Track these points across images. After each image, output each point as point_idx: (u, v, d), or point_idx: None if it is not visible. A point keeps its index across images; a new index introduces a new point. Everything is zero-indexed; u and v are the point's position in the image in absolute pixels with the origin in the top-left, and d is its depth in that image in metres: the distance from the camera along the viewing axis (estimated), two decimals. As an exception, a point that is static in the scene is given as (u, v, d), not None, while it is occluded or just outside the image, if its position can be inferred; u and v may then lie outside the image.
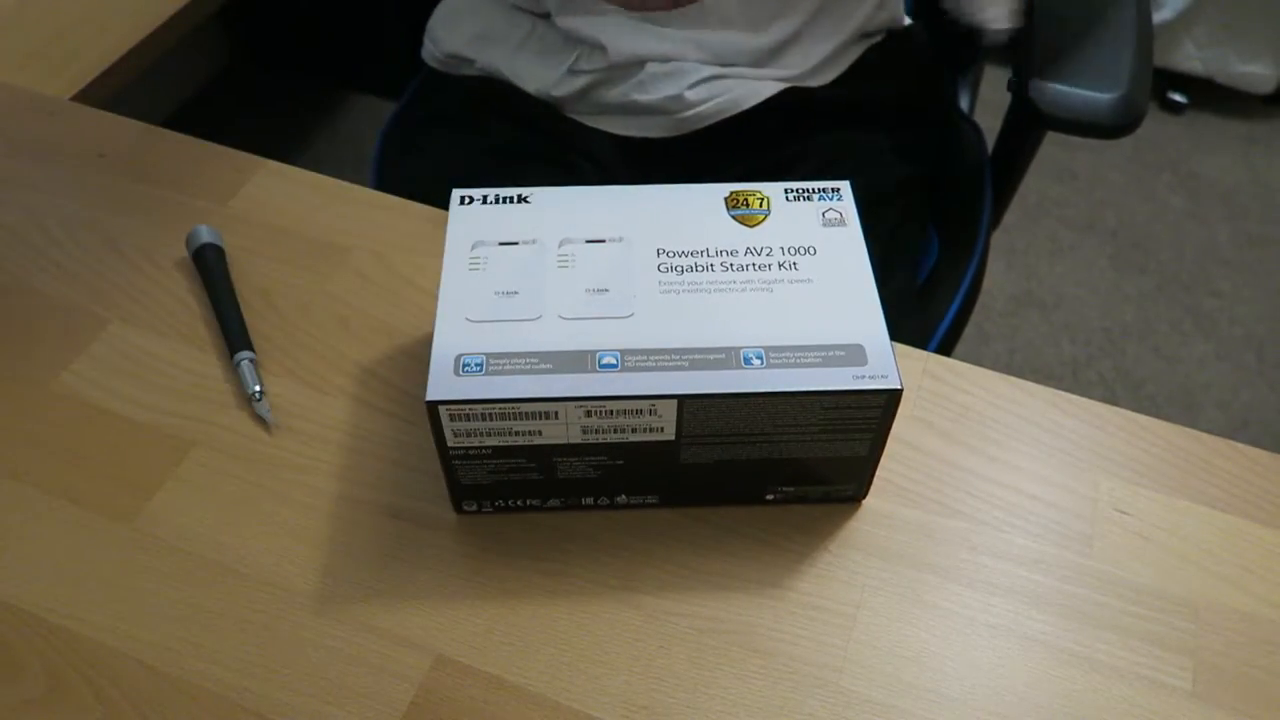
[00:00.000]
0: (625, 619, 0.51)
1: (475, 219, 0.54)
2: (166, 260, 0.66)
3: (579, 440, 0.49)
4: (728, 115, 0.78)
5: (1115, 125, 0.78)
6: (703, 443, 0.50)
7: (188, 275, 0.65)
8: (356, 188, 0.71)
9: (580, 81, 0.78)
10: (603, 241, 0.53)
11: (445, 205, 0.63)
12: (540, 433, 0.48)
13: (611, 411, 0.47)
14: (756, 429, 0.49)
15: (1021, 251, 1.83)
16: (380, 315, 0.63)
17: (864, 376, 0.47)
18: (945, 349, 0.82)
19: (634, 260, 0.52)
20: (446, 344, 0.48)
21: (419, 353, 0.61)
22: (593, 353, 0.48)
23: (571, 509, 0.54)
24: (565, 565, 0.52)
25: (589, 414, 0.47)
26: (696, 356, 0.48)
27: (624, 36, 0.75)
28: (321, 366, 0.60)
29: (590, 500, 0.53)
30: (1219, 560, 0.53)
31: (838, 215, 0.54)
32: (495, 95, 0.83)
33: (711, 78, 0.77)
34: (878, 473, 0.56)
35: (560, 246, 0.52)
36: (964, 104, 0.99)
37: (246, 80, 1.99)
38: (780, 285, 0.51)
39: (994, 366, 0.59)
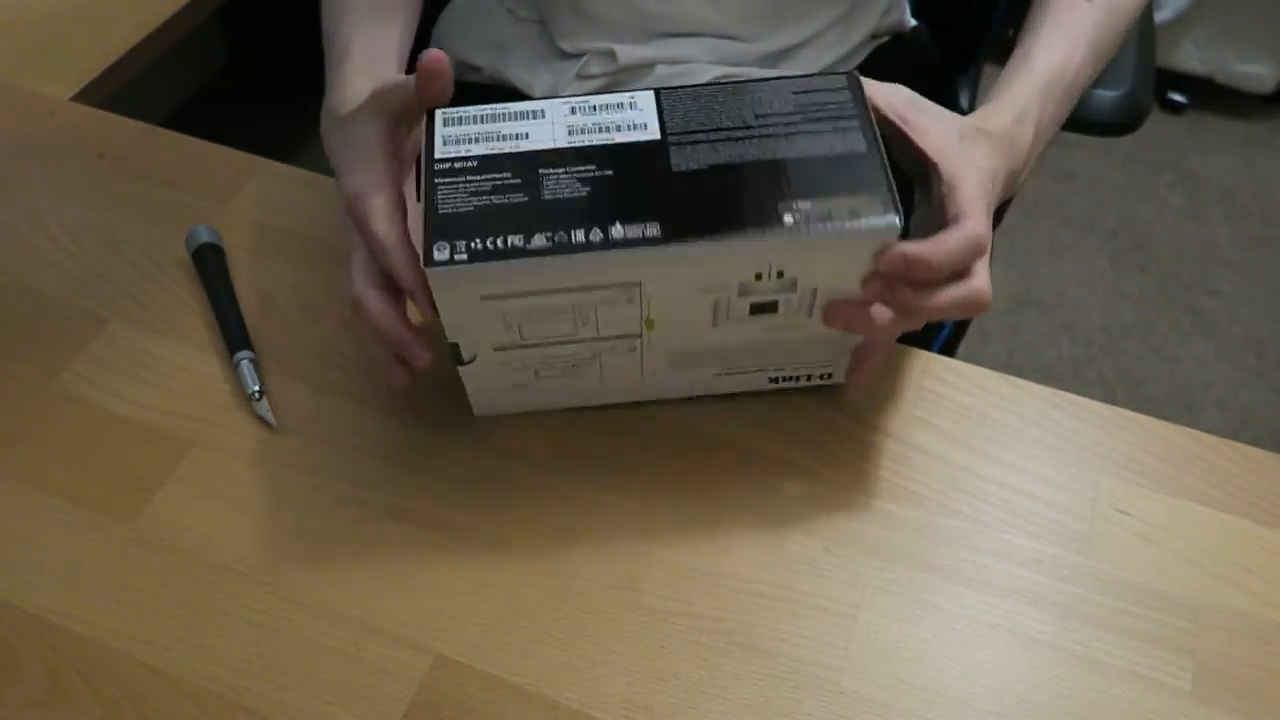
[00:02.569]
0: (625, 619, 0.51)
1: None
2: (166, 260, 0.66)
3: (565, 144, 0.50)
4: None
5: (1118, 123, 0.78)
6: (690, 141, 0.50)
7: (188, 275, 0.65)
8: (356, 188, 0.71)
9: (589, 86, 0.78)
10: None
11: None
12: (527, 135, 0.50)
13: (594, 107, 0.51)
14: (739, 122, 0.50)
15: (1021, 251, 1.83)
16: (380, 315, 0.63)
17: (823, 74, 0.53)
18: (948, 351, 0.82)
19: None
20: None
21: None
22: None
23: (561, 250, 0.47)
24: (565, 565, 0.52)
25: (573, 110, 0.50)
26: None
27: (631, 45, 0.75)
28: (321, 366, 0.60)
29: (581, 235, 0.47)
30: (1219, 560, 0.53)
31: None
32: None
33: (721, 78, 0.77)
34: (878, 472, 0.56)
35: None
36: (965, 103, 0.99)
37: (246, 80, 1.98)
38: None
39: (994, 366, 0.59)
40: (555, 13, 0.76)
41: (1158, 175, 1.97)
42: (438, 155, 0.49)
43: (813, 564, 0.53)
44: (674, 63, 0.76)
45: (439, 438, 0.57)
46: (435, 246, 0.47)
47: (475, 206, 0.48)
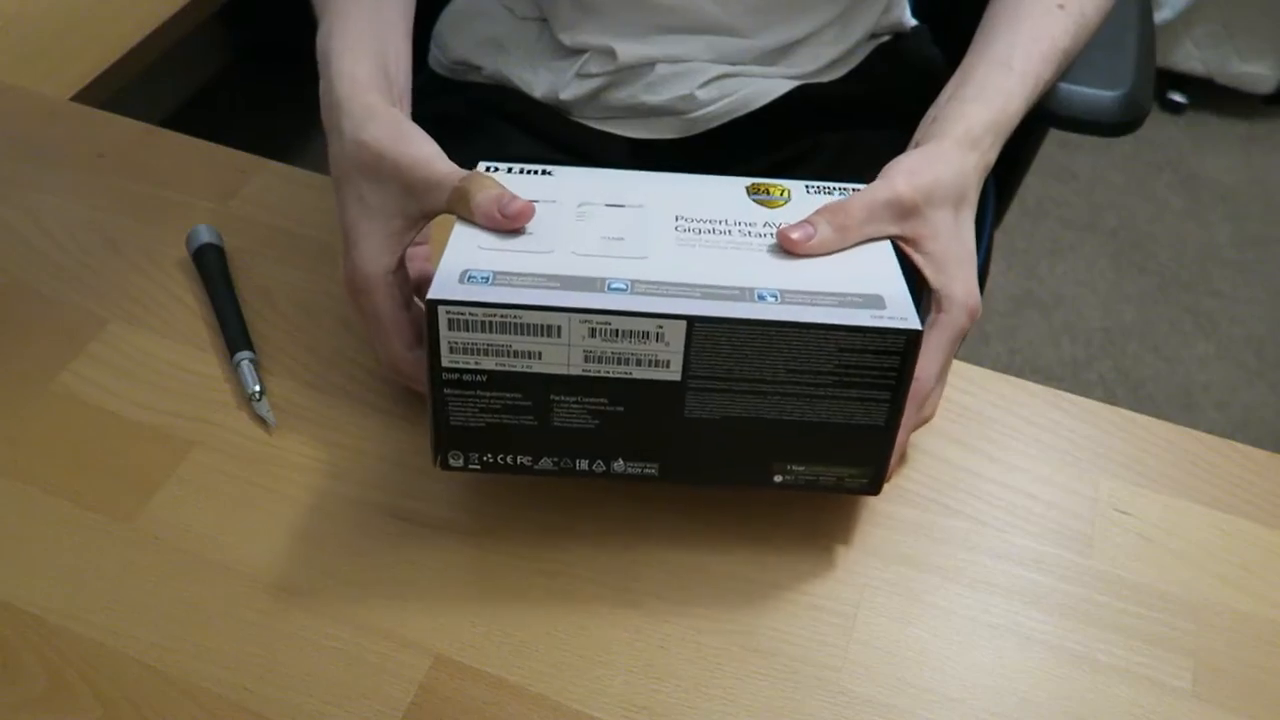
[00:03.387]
0: (625, 619, 0.51)
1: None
2: (166, 260, 0.66)
3: (579, 372, 0.46)
4: (738, 115, 0.78)
5: (1118, 123, 0.78)
6: (709, 388, 0.47)
7: (188, 275, 0.65)
8: (356, 188, 0.71)
9: (589, 85, 0.78)
10: (622, 206, 0.52)
11: None
12: (540, 355, 0.46)
13: (616, 332, 0.45)
14: (767, 373, 0.47)
15: (1021, 251, 1.83)
16: (380, 315, 0.63)
17: (882, 316, 0.46)
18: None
19: (651, 220, 0.51)
20: (454, 260, 0.47)
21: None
22: (603, 279, 0.47)
23: (565, 473, 0.50)
24: (565, 565, 0.52)
25: (593, 332, 0.45)
26: (708, 290, 0.47)
27: (632, 42, 0.75)
28: (321, 366, 0.60)
29: (585, 464, 0.50)
30: (1219, 560, 0.53)
31: None
32: (501, 101, 0.83)
33: (721, 76, 0.77)
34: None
35: (579, 206, 0.52)
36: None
37: (246, 80, 1.99)
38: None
39: (994, 366, 0.59)
40: (556, 6, 0.76)
41: (1158, 175, 1.97)
42: (445, 364, 0.46)
43: (813, 564, 0.53)
44: (674, 61, 0.76)
45: (439, 438, 0.57)
46: (450, 454, 0.49)
47: (486, 424, 0.48)
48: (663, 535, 0.54)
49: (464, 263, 0.47)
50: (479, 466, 0.50)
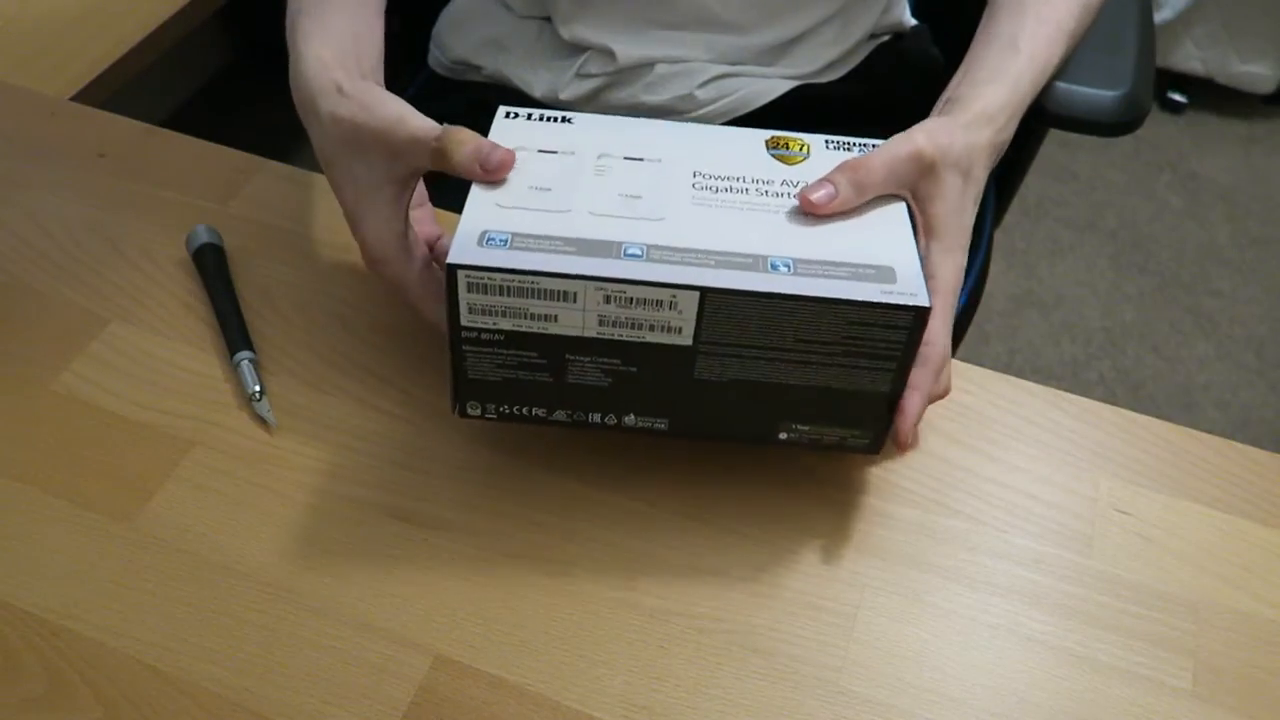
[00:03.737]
0: (625, 619, 0.51)
1: (517, 130, 0.53)
2: (166, 260, 0.66)
3: (594, 334, 0.47)
4: (737, 115, 0.78)
5: (1118, 122, 0.78)
6: (720, 353, 0.48)
7: (188, 275, 0.65)
8: (356, 188, 0.71)
9: (588, 85, 0.78)
10: (640, 160, 0.52)
11: (447, 208, 0.63)
12: (556, 318, 0.47)
13: (631, 300, 0.46)
14: (776, 341, 0.48)
15: (1021, 251, 1.83)
16: (380, 315, 0.63)
17: (893, 292, 0.46)
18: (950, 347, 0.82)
19: (669, 176, 0.51)
20: (473, 221, 0.48)
21: (420, 352, 0.61)
22: (619, 243, 0.47)
23: (578, 425, 0.52)
24: (565, 565, 0.52)
25: (608, 299, 0.46)
26: (722, 258, 0.47)
27: (631, 40, 0.75)
28: (321, 366, 0.60)
29: (598, 417, 0.52)
30: (1219, 560, 0.53)
31: None
32: (501, 101, 0.83)
33: (721, 76, 0.77)
34: (878, 472, 0.56)
35: (598, 159, 0.52)
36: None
37: (247, 79, 1.98)
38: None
39: (994, 366, 0.59)
40: (556, 1, 0.76)
41: (1158, 175, 1.97)
42: (464, 323, 0.48)
43: (813, 564, 0.53)
44: (674, 61, 0.76)
45: (439, 438, 0.57)
46: (468, 404, 0.51)
47: (502, 378, 0.50)
48: (663, 535, 0.54)
49: (482, 222, 0.48)
50: (495, 416, 0.52)
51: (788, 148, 0.54)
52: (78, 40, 0.91)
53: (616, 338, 0.48)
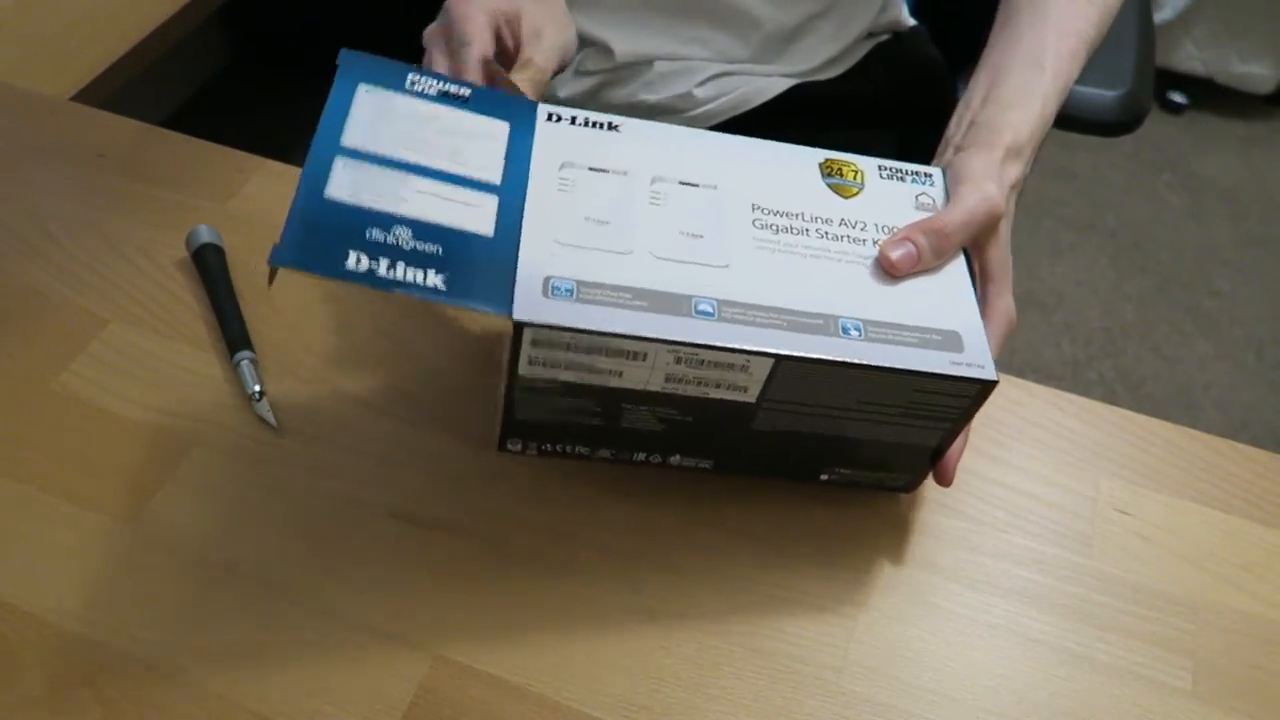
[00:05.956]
0: (626, 619, 0.51)
1: (563, 139, 0.51)
2: (166, 260, 0.66)
3: (659, 389, 0.46)
4: (736, 113, 0.78)
5: (1118, 122, 0.79)
6: (782, 410, 0.48)
7: (188, 275, 0.65)
8: (356, 188, 0.71)
9: (587, 83, 0.78)
10: (696, 186, 0.51)
11: None
12: (621, 374, 0.46)
13: (703, 362, 0.45)
14: (840, 402, 0.47)
15: (1021, 251, 1.82)
16: (380, 315, 0.63)
17: (961, 364, 0.46)
18: None
19: (728, 210, 0.50)
20: (534, 262, 0.45)
21: (420, 352, 0.61)
22: (689, 297, 0.46)
23: (621, 463, 0.51)
24: (566, 565, 0.52)
25: (679, 360, 0.45)
26: (793, 318, 0.46)
27: (629, 35, 0.75)
28: (321, 366, 0.60)
29: (643, 456, 0.51)
30: (1219, 560, 0.53)
31: (930, 201, 0.53)
32: None
33: (720, 75, 0.77)
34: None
35: (652, 184, 0.50)
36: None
37: (247, 80, 1.98)
38: (876, 263, 0.49)
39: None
40: None
41: (1158, 175, 1.97)
42: (522, 373, 0.46)
43: (813, 564, 0.53)
44: (672, 59, 0.76)
45: (439, 438, 0.57)
46: (509, 441, 0.50)
47: (552, 420, 0.49)
48: (663, 536, 0.54)
49: (545, 266, 0.46)
50: (535, 452, 0.51)
51: (842, 175, 0.53)
52: (78, 40, 0.91)
53: (680, 393, 0.47)
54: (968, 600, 0.52)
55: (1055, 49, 0.59)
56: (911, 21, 0.86)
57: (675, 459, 0.51)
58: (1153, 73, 0.83)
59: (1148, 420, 0.59)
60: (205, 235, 0.65)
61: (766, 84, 0.78)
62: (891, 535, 0.54)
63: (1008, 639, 0.50)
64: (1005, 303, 0.53)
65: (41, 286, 0.64)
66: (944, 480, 0.52)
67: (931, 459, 0.52)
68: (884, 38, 0.84)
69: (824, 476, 0.53)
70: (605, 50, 0.76)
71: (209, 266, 0.64)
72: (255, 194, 0.70)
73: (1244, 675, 0.50)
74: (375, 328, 0.62)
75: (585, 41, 0.77)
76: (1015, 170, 0.55)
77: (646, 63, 0.77)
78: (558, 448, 0.51)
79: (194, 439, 0.57)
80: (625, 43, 0.75)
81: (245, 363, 0.59)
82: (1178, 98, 2.08)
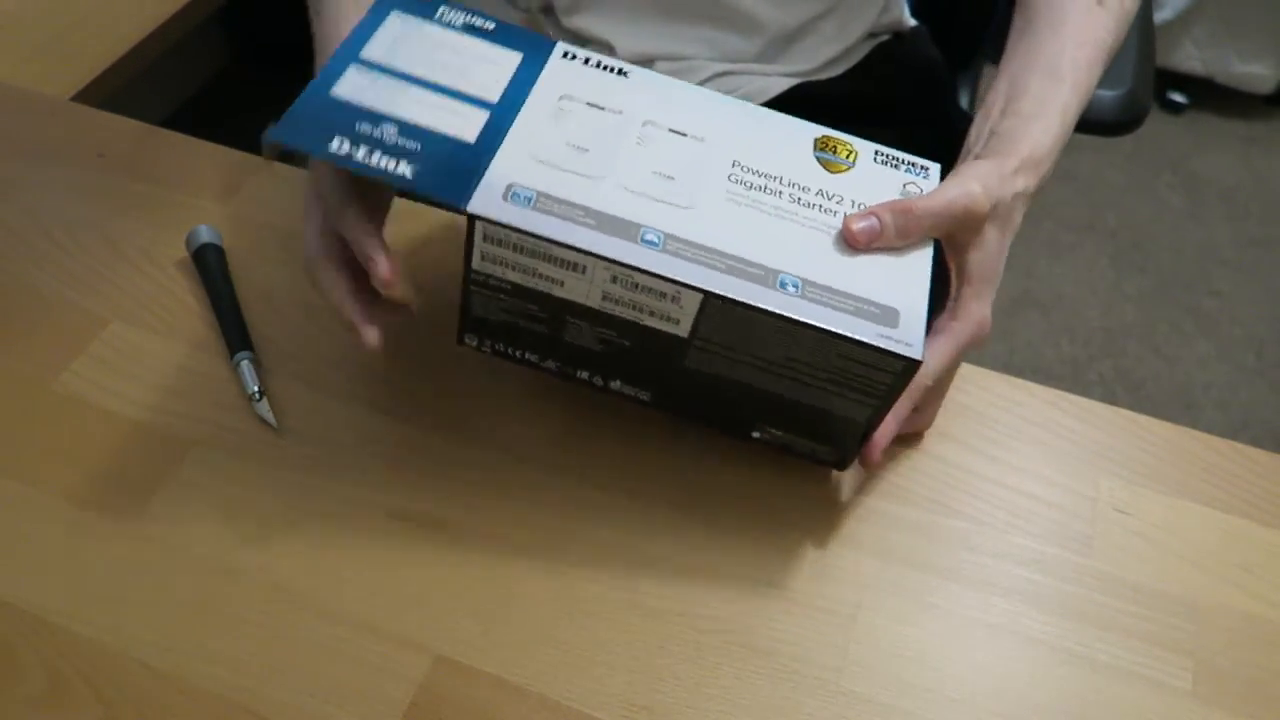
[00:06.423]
0: (625, 619, 0.51)
1: (570, 74, 0.52)
2: (166, 260, 0.66)
3: (596, 306, 0.48)
4: None
5: (1118, 123, 0.78)
6: (711, 351, 0.49)
7: (188, 275, 0.65)
8: (356, 188, 0.71)
9: None
10: (684, 135, 0.51)
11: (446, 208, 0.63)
12: (563, 284, 0.48)
13: (636, 285, 0.47)
14: (767, 354, 0.48)
15: (1021, 252, 1.83)
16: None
17: (889, 338, 0.46)
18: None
19: (708, 161, 0.51)
20: (503, 170, 0.48)
21: (420, 352, 0.61)
22: (639, 225, 0.47)
23: (565, 378, 0.54)
24: (566, 565, 0.52)
25: (614, 279, 0.47)
26: (735, 264, 0.47)
27: (631, 35, 0.75)
28: (321, 366, 0.60)
29: (585, 374, 0.53)
30: (1219, 560, 0.53)
31: (917, 191, 0.52)
32: None
33: (721, 74, 0.77)
34: (878, 472, 0.56)
35: (643, 126, 0.51)
36: (964, 102, 0.99)
37: (246, 80, 1.98)
38: (839, 235, 0.50)
39: (994, 366, 0.59)
40: None
41: (1158, 175, 1.97)
42: (475, 267, 0.49)
43: (813, 564, 0.53)
44: (674, 59, 0.76)
45: (439, 438, 0.57)
46: (466, 335, 0.54)
47: (503, 321, 0.52)
48: (663, 536, 0.54)
49: (513, 174, 0.48)
50: (489, 351, 0.54)
51: (835, 152, 0.53)
52: (78, 40, 0.91)
53: (616, 314, 0.49)
54: (968, 600, 0.52)
55: (1073, 58, 0.58)
56: (913, 22, 0.86)
57: (615, 384, 0.53)
58: (1153, 72, 0.83)
59: (1148, 420, 0.59)
60: (205, 235, 0.65)
61: (768, 84, 0.78)
62: (891, 535, 0.54)
63: (1008, 639, 0.50)
64: (979, 307, 0.52)
65: (42, 287, 0.64)
66: (866, 463, 0.52)
67: (863, 437, 0.51)
68: (885, 38, 0.84)
69: (756, 434, 0.54)
70: (607, 50, 0.76)
71: (209, 266, 0.64)
72: (255, 194, 0.70)
73: (1244, 675, 0.50)
74: (375, 328, 0.62)
75: (587, 41, 0.77)
76: (1025, 181, 0.54)
77: (648, 62, 0.77)
78: (510, 350, 0.53)
79: (194, 439, 0.57)
80: (627, 42, 0.75)
81: (245, 363, 0.59)
82: (1178, 98, 2.08)
